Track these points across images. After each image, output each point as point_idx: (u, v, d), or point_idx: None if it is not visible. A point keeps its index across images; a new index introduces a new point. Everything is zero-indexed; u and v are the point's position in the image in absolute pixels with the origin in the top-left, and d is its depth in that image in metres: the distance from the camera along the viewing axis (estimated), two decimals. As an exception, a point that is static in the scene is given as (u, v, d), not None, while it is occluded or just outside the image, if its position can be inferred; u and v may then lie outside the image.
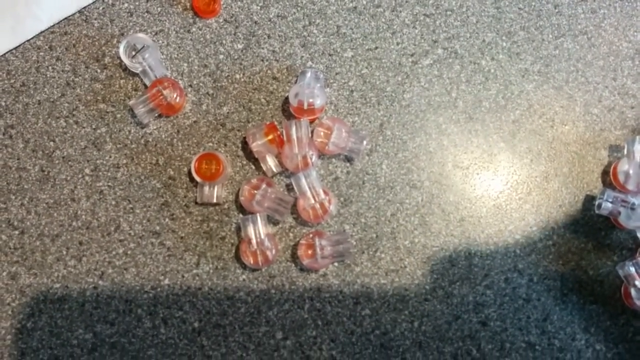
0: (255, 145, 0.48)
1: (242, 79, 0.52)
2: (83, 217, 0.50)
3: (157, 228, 0.50)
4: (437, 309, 0.49)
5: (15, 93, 0.51)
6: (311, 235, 0.48)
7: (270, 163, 0.49)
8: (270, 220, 0.50)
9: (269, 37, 0.52)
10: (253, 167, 0.51)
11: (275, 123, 0.50)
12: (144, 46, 0.50)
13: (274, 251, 0.48)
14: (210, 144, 0.51)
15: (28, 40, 0.52)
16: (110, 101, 0.51)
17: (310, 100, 0.48)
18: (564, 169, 0.52)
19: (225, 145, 0.51)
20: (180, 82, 0.51)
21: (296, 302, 0.49)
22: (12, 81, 0.51)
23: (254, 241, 0.47)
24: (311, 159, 0.48)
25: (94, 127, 0.51)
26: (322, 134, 0.49)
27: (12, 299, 0.49)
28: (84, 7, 0.52)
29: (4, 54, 0.52)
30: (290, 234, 0.50)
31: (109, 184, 0.50)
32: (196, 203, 0.50)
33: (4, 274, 0.49)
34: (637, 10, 0.54)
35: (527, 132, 0.52)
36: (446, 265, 0.50)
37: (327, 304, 0.49)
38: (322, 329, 0.49)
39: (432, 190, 0.51)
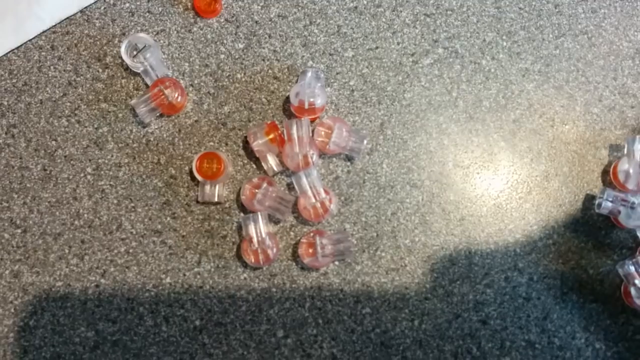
0: (256, 145, 0.49)
1: (243, 79, 0.52)
2: (85, 215, 0.50)
3: (159, 227, 0.50)
4: (437, 307, 0.49)
5: (17, 92, 0.52)
6: (312, 234, 0.48)
7: (271, 162, 0.49)
8: (271, 219, 0.50)
9: (269, 36, 0.53)
10: (254, 166, 0.51)
11: (276, 122, 0.50)
12: (145, 46, 0.51)
13: (274, 250, 0.48)
14: (212, 143, 0.51)
15: (30, 40, 0.52)
16: (111, 100, 0.52)
17: (311, 99, 0.48)
18: (564, 168, 0.52)
19: (227, 144, 0.51)
20: (181, 81, 0.52)
21: (297, 301, 0.49)
22: (14, 81, 0.52)
23: (255, 240, 0.47)
24: (312, 158, 0.48)
25: (95, 126, 0.51)
26: (322, 133, 0.49)
27: (14, 297, 0.49)
28: (86, 7, 0.52)
29: (6, 53, 0.52)
30: (291, 233, 0.50)
31: (111, 183, 0.50)
32: (197, 202, 0.50)
33: (7, 272, 0.49)
34: (637, 10, 0.54)
35: (528, 132, 0.52)
36: (446, 264, 0.50)
37: (327, 303, 0.49)
38: (323, 328, 0.49)
39: (433, 189, 0.51)
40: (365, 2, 0.53)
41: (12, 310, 0.49)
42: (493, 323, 0.49)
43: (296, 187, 0.48)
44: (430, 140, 0.52)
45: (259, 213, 0.47)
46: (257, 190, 0.48)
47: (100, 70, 0.52)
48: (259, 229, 0.47)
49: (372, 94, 0.52)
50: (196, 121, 0.51)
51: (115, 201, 0.50)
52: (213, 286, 0.49)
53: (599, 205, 0.48)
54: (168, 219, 0.50)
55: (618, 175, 0.49)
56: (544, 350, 0.49)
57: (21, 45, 0.52)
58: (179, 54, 0.52)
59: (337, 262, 0.50)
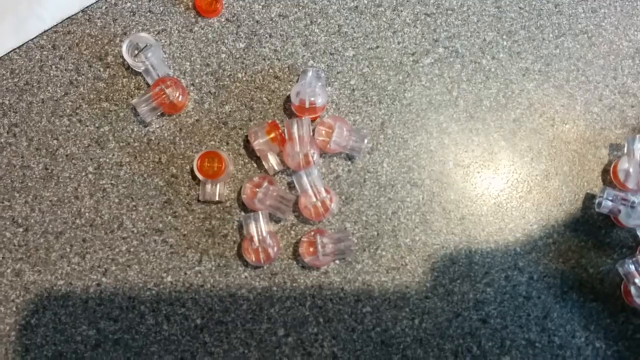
0: (257, 144, 0.49)
1: (244, 78, 0.52)
2: (86, 214, 0.50)
3: (160, 226, 0.50)
4: (437, 306, 0.49)
5: (19, 92, 0.52)
6: (312, 233, 0.48)
7: (272, 161, 0.49)
8: (272, 218, 0.50)
9: (270, 36, 0.53)
10: (255, 165, 0.51)
11: (277, 121, 0.50)
12: (146, 45, 0.51)
13: (275, 249, 0.48)
14: (213, 143, 0.51)
15: (31, 40, 0.52)
16: (113, 100, 0.52)
17: (312, 99, 0.48)
18: (565, 167, 0.52)
19: (228, 143, 0.51)
20: (182, 81, 0.52)
21: (298, 300, 0.49)
22: (15, 80, 0.52)
23: (255, 239, 0.47)
24: (312, 157, 0.48)
25: (97, 125, 0.51)
26: (323, 132, 0.49)
27: (16, 296, 0.49)
28: (87, 7, 0.53)
29: (8, 53, 0.52)
30: (292, 232, 0.50)
31: (112, 182, 0.51)
32: (198, 201, 0.50)
33: (9, 271, 0.49)
34: (637, 9, 0.54)
35: (528, 131, 0.52)
36: (447, 263, 0.50)
37: (328, 302, 0.49)
38: (324, 326, 0.49)
39: (433, 188, 0.51)
40: (365, 2, 0.53)
41: (14, 309, 0.49)
42: (493, 322, 0.49)
43: (297, 186, 0.48)
44: (430, 140, 0.52)
45: (259, 212, 0.48)
46: (258, 189, 0.48)
47: (102, 69, 0.52)
48: (259, 227, 0.47)
49: (372, 93, 0.52)
50: (197, 120, 0.52)
51: (116, 200, 0.50)
52: (214, 285, 0.49)
53: (599, 204, 0.48)
54: (169, 217, 0.50)
55: (618, 174, 0.50)
56: (544, 349, 0.49)
57: (23, 45, 0.52)
58: (180, 54, 0.52)
59: (337, 261, 0.50)
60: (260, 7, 0.53)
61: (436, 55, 0.53)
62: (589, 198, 0.51)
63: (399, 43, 0.53)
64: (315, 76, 0.50)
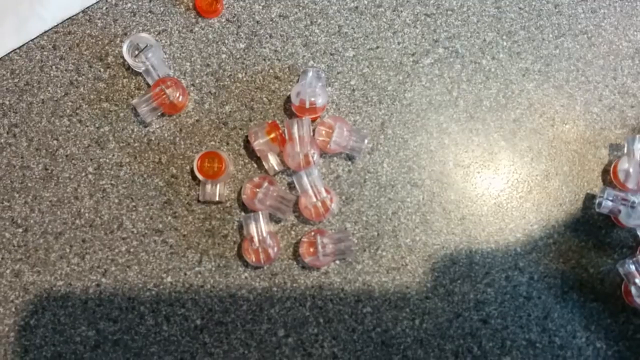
0: (257, 144, 0.49)
1: (244, 78, 0.52)
2: (86, 215, 0.50)
3: (160, 226, 0.50)
4: (438, 306, 0.49)
5: (19, 92, 0.52)
6: (313, 233, 0.48)
7: (272, 161, 0.49)
8: (272, 219, 0.50)
9: (270, 36, 0.53)
10: (255, 165, 0.51)
11: (277, 122, 0.50)
12: (147, 45, 0.51)
13: (275, 249, 0.48)
14: (213, 143, 0.51)
15: (32, 40, 0.52)
16: (113, 100, 0.52)
17: (312, 99, 0.48)
18: (565, 167, 0.52)
19: (228, 143, 0.51)
20: (182, 81, 0.52)
21: (298, 300, 0.49)
22: (16, 80, 0.52)
23: (256, 239, 0.47)
24: (313, 157, 0.48)
25: (97, 125, 0.51)
26: (323, 132, 0.49)
27: (15, 297, 0.49)
28: (88, 7, 0.53)
29: (8, 53, 0.52)
30: (292, 232, 0.50)
31: (112, 182, 0.51)
32: (198, 201, 0.50)
33: (8, 271, 0.49)
34: (637, 9, 0.54)
35: (528, 131, 0.52)
36: (447, 263, 0.50)
37: (328, 302, 0.49)
38: (324, 327, 0.49)
39: (433, 188, 0.51)
40: (366, 2, 0.53)
41: (13, 310, 0.49)
42: (494, 322, 0.49)
43: (297, 186, 0.48)
44: (430, 140, 0.52)
45: (260, 212, 0.48)
46: (258, 190, 0.48)
47: (102, 70, 0.52)
48: (260, 228, 0.47)
49: (372, 93, 0.52)
50: (197, 121, 0.52)
51: (116, 200, 0.50)
52: (214, 285, 0.49)
53: (599, 204, 0.48)
54: (169, 218, 0.50)
55: (618, 174, 0.50)
56: (545, 349, 0.49)
57: (23, 45, 0.52)
58: (180, 54, 0.52)
59: (338, 262, 0.50)
60: (261, 7, 0.53)
61: (436, 55, 0.53)
62: (589, 198, 0.51)
63: (399, 43, 0.53)
64: (316, 76, 0.50)
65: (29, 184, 0.50)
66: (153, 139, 0.51)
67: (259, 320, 0.49)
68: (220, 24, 0.53)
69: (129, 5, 0.53)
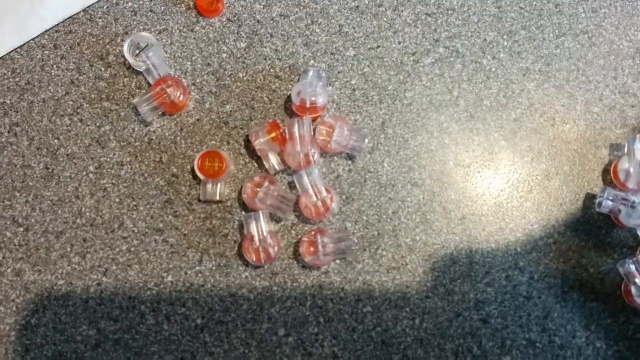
0: (258, 143, 0.49)
1: (245, 78, 0.52)
2: (87, 214, 0.50)
3: (161, 225, 0.50)
4: (438, 306, 0.49)
5: (20, 91, 0.52)
6: (313, 233, 0.48)
7: (273, 161, 0.49)
8: (273, 218, 0.50)
9: (271, 36, 0.53)
10: (256, 164, 0.51)
11: (278, 121, 0.50)
12: (147, 45, 0.51)
13: (276, 248, 0.48)
14: (213, 142, 0.51)
15: (33, 39, 0.52)
16: (114, 99, 0.52)
17: (313, 98, 0.48)
18: (565, 167, 0.52)
19: (228, 143, 0.51)
20: (183, 80, 0.52)
21: (298, 299, 0.49)
22: (17, 79, 0.52)
23: (256, 238, 0.47)
24: (313, 156, 0.48)
25: (98, 125, 0.51)
26: (324, 132, 0.49)
27: (16, 296, 0.49)
28: (89, 6, 0.53)
29: (9, 52, 0.52)
30: (293, 232, 0.50)
31: (113, 181, 0.51)
32: (199, 200, 0.50)
33: (9, 270, 0.49)
34: (637, 9, 0.54)
35: (528, 131, 0.52)
36: (447, 262, 0.50)
37: (328, 301, 0.49)
38: (324, 326, 0.49)
39: (434, 188, 0.51)
40: (366, 2, 0.53)
41: (14, 309, 0.49)
42: (494, 322, 0.49)
43: (297, 185, 0.48)
44: (431, 139, 0.52)
45: (260, 211, 0.48)
46: (258, 189, 0.48)
47: (103, 69, 0.52)
48: (260, 227, 0.47)
49: (373, 93, 0.52)
50: (198, 120, 0.52)
51: (117, 200, 0.50)
52: (214, 285, 0.49)
53: (600, 204, 0.48)
54: (170, 217, 0.50)
55: (618, 174, 0.50)
56: (545, 349, 0.49)
57: (24, 44, 0.52)
58: (181, 53, 0.52)
59: (338, 261, 0.50)
60: (262, 6, 0.53)
61: (437, 55, 0.53)
62: (590, 198, 0.51)
63: (399, 43, 0.53)
64: (316, 76, 0.50)
65: (30, 183, 0.51)
66: (154, 138, 0.51)
67: (259, 319, 0.49)
68: (221, 23, 0.53)
69: (130, 4, 0.53)
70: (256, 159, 0.51)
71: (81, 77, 0.52)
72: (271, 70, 0.52)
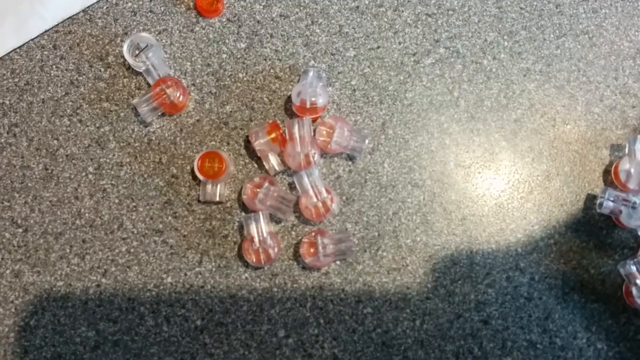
0: (258, 144, 0.49)
1: (245, 78, 0.52)
2: (86, 215, 0.50)
3: (160, 226, 0.50)
4: (438, 307, 0.49)
5: (19, 92, 0.52)
6: (313, 234, 0.48)
7: (273, 161, 0.49)
8: (273, 219, 0.50)
9: (271, 36, 0.53)
10: (256, 165, 0.51)
11: (278, 122, 0.50)
12: (147, 45, 0.51)
13: (276, 249, 0.48)
14: (213, 143, 0.51)
15: (32, 39, 0.52)
16: (113, 100, 0.52)
17: (313, 99, 0.48)
18: (566, 168, 0.52)
19: (228, 143, 0.51)
20: (183, 81, 0.52)
21: (298, 301, 0.49)
22: (16, 80, 0.52)
23: (256, 239, 0.47)
24: (313, 157, 0.48)
25: (97, 125, 0.51)
26: (324, 132, 0.49)
27: (15, 297, 0.49)
28: (88, 7, 0.53)
29: (9, 52, 0.52)
30: (293, 233, 0.50)
31: (112, 182, 0.50)
32: (199, 201, 0.50)
33: (8, 271, 0.49)
34: (638, 10, 0.54)
35: (529, 131, 0.52)
36: (448, 263, 0.50)
37: (329, 303, 0.49)
38: (324, 327, 0.49)
39: (434, 189, 0.51)
40: (367, 2, 0.53)
41: (13, 310, 0.49)
42: (494, 323, 0.49)
43: (298, 186, 0.48)
44: (431, 140, 0.52)
45: (260, 212, 0.47)
46: (258, 190, 0.48)
47: (103, 69, 0.52)
48: (260, 228, 0.47)
49: (373, 93, 0.52)
50: (198, 120, 0.51)
51: (116, 200, 0.50)
52: (214, 286, 0.49)
53: (601, 205, 0.48)
54: (169, 218, 0.50)
55: (619, 175, 0.49)
56: (546, 350, 0.49)
57: (23, 45, 0.52)
58: (181, 54, 0.52)
59: (338, 262, 0.50)
60: (262, 7, 0.53)
61: (437, 55, 0.53)
62: (590, 199, 0.51)
63: (400, 43, 0.53)
64: (317, 76, 0.50)
65: (29, 184, 0.50)
66: (153, 138, 0.51)
67: (259, 320, 0.49)
68: (221, 23, 0.53)
69: (130, 4, 0.53)
70: (256, 159, 0.51)
71: (81, 78, 0.52)
72: (271, 70, 0.52)
